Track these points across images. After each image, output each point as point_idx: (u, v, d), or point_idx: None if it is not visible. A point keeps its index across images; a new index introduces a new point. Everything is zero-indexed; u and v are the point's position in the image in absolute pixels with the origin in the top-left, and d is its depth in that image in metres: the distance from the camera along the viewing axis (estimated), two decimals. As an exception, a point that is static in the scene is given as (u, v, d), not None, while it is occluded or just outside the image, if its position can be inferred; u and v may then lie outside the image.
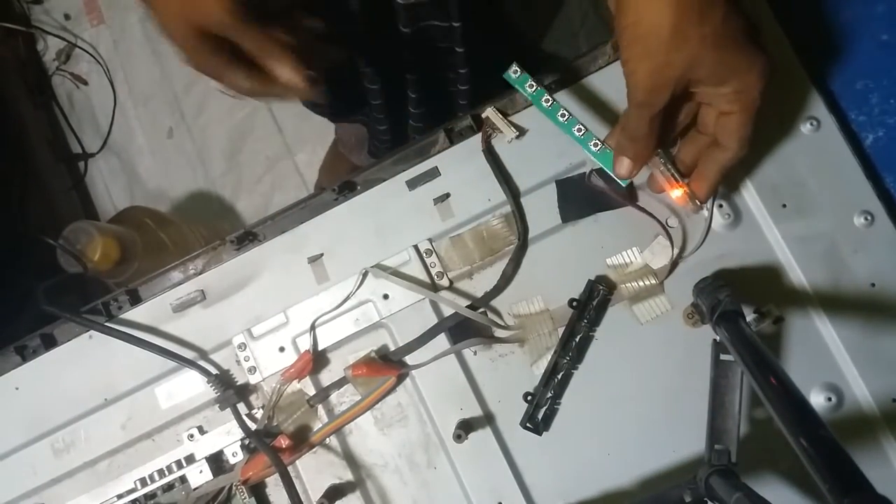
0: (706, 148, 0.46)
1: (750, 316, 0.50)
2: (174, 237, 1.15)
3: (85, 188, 1.40)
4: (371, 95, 0.74)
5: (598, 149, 0.49)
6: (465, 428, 0.50)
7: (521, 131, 0.53)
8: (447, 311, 0.52)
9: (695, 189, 0.48)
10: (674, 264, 0.51)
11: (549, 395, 0.51)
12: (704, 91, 0.43)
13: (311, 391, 0.53)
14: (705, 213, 0.51)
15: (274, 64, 0.45)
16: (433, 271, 0.52)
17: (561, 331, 0.51)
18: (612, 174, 0.49)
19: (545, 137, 0.52)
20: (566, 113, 0.50)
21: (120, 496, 0.53)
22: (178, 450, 0.53)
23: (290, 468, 0.51)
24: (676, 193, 0.48)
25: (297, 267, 0.54)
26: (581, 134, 0.49)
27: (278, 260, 0.54)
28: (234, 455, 0.53)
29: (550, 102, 0.50)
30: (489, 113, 0.53)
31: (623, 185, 0.49)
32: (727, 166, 0.45)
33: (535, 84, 0.50)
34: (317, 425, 0.52)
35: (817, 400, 0.50)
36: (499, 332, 0.52)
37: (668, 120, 0.46)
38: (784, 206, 0.51)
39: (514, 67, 0.50)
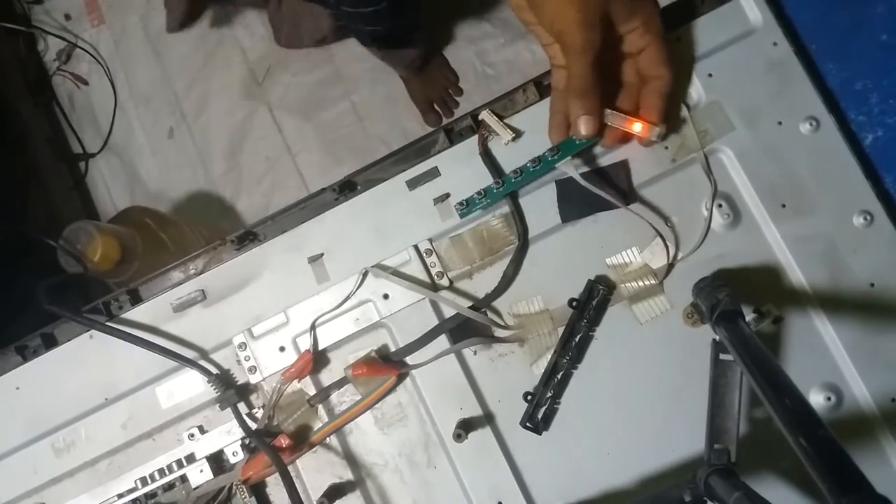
0: (638, 90, 0.50)
1: (749, 316, 0.50)
2: (174, 237, 1.15)
3: (85, 188, 1.41)
4: None
5: (556, 154, 0.50)
6: (465, 427, 0.50)
7: (518, 133, 0.53)
8: (447, 311, 0.52)
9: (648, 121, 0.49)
10: (672, 264, 0.51)
11: (549, 394, 0.51)
12: (619, 32, 0.48)
13: (312, 391, 0.53)
14: (704, 212, 0.51)
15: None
16: (433, 271, 0.53)
17: (561, 331, 0.51)
18: (577, 147, 0.50)
19: (542, 139, 0.52)
20: (518, 170, 0.51)
21: (120, 495, 0.53)
22: (178, 449, 0.53)
23: (290, 468, 0.51)
24: (637, 127, 0.49)
25: (298, 267, 0.54)
26: (537, 165, 0.51)
27: (278, 260, 0.54)
28: (235, 454, 0.53)
29: (500, 185, 0.51)
30: (485, 115, 0.53)
31: (595, 140, 0.50)
32: (666, 92, 0.49)
33: (482, 192, 0.51)
34: (317, 425, 0.52)
35: (817, 400, 0.50)
36: (499, 332, 0.52)
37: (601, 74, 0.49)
38: (783, 206, 0.51)
39: (459, 202, 0.51)
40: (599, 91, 0.48)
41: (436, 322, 0.52)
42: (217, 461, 0.53)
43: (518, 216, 0.52)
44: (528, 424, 0.51)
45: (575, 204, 0.52)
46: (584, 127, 0.49)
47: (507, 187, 0.51)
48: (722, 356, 0.46)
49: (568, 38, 0.45)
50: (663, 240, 0.51)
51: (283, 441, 0.51)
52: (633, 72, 0.50)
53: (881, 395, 0.50)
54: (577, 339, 0.51)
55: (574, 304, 0.51)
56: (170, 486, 0.53)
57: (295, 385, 0.53)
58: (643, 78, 0.50)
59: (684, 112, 0.52)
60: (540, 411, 0.51)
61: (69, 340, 0.55)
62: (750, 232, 0.52)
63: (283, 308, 0.53)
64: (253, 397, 0.54)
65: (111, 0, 1.42)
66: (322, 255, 0.54)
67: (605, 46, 0.47)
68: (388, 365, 0.52)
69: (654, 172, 0.52)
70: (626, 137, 0.51)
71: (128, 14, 1.41)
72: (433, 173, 0.53)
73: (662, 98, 0.49)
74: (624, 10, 0.46)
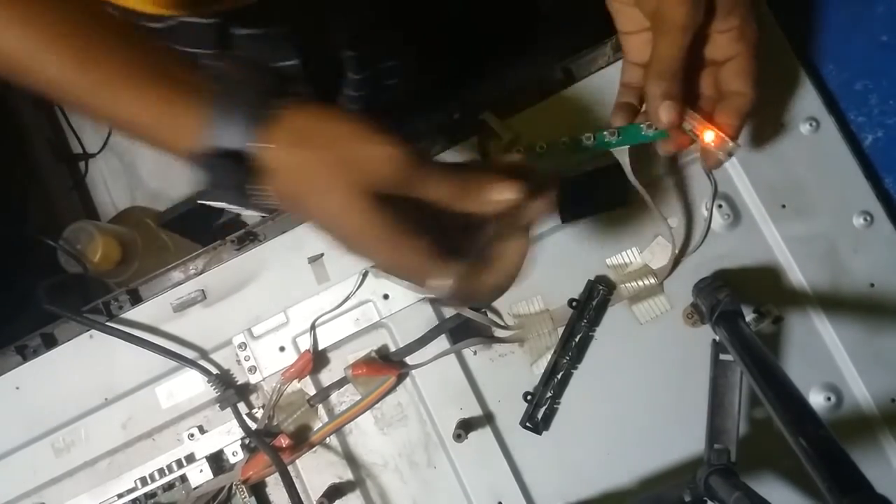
0: (713, 105, 0.45)
1: (749, 316, 0.50)
2: (174, 237, 1.15)
3: (85, 188, 1.40)
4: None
5: (616, 137, 0.46)
6: (465, 427, 0.50)
7: (518, 133, 0.53)
8: (447, 311, 0.52)
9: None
10: (674, 264, 0.51)
11: (549, 394, 0.51)
12: (709, 29, 0.43)
13: (312, 391, 0.53)
14: (704, 212, 0.51)
15: (486, 189, 0.36)
16: (433, 271, 0.52)
17: (561, 331, 0.51)
18: (641, 138, 0.46)
19: (541, 138, 0.52)
20: (566, 140, 0.47)
21: (120, 495, 0.53)
22: (178, 449, 0.53)
23: (290, 467, 0.51)
24: (709, 136, 0.44)
25: (298, 267, 0.54)
26: (591, 141, 0.46)
27: (278, 260, 0.54)
28: (235, 454, 0.53)
29: (544, 148, 0.48)
30: (485, 117, 0.53)
31: (661, 136, 0.45)
32: (745, 112, 0.44)
33: (521, 149, 0.48)
34: (317, 425, 0.52)
35: (817, 400, 0.50)
36: (499, 332, 0.52)
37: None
38: (783, 206, 0.51)
39: (496, 141, 0.48)
40: (682, 79, 0.42)
41: (436, 322, 0.52)
42: (217, 461, 0.53)
43: (518, 216, 0.52)
44: (528, 424, 0.51)
45: (575, 204, 0.52)
46: (665, 113, 0.42)
47: (551, 153, 0.47)
48: (722, 356, 0.46)
49: (668, 11, 0.40)
50: (671, 233, 0.51)
51: (283, 441, 0.51)
52: (710, 82, 0.45)
53: (881, 395, 0.50)
54: (577, 339, 0.51)
55: (574, 304, 0.51)
56: (169, 486, 0.53)
57: (295, 385, 0.53)
58: (722, 92, 0.44)
59: None
60: (540, 411, 0.51)
61: (69, 340, 0.55)
62: (750, 232, 0.52)
63: (283, 308, 0.53)
64: (253, 397, 0.54)
65: (111, 0, 1.42)
66: (322, 255, 0.54)
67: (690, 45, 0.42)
68: (388, 365, 0.52)
69: (655, 172, 0.52)
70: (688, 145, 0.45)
71: (128, 14, 1.41)
72: (433, 173, 0.53)
73: (742, 118, 0.43)
74: (727, 1, 0.41)
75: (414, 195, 0.36)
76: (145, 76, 0.36)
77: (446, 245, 0.37)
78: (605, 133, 0.46)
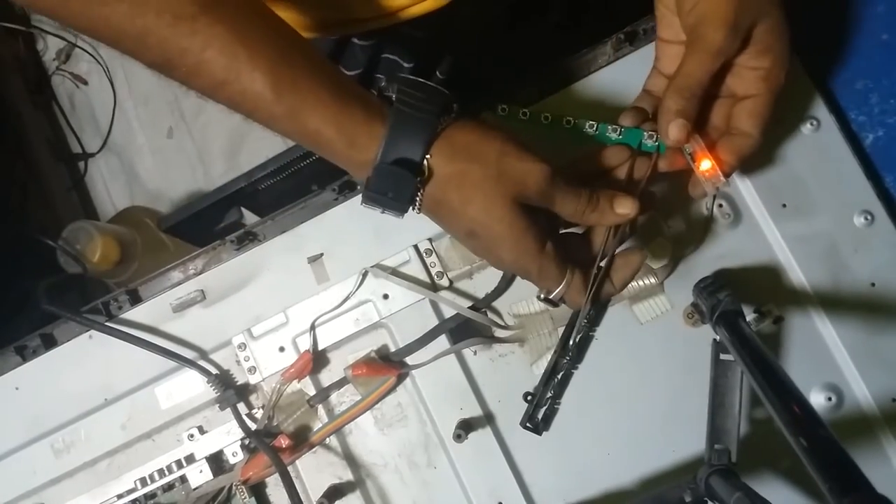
0: (718, 136, 0.45)
1: (750, 315, 0.50)
2: (174, 237, 1.15)
3: (85, 188, 1.41)
4: None
5: (619, 135, 0.46)
6: (465, 428, 0.50)
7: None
8: (447, 311, 0.52)
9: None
10: (674, 264, 0.51)
11: (549, 394, 0.51)
12: (740, 61, 0.43)
13: (311, 391, 0.53)
14: (704, 211, 0.51)
15: (609, 204, 0.42)
16: (433, 271, 0.52)
17: (561, 330, 0.51)
18: (637, 145, 0.46)
19: (540, 137, 0.52)
20: (570, 120, 0.47)
21: (120, 496, 0.53)
22: (178, 450, 0.53)
23: (290, 468, 0.51)
24: (705, 164, 0.44)
25: (297, 267, 0.54)
26: (594, 130, 0.46)
27: (278, 260, 0.54)
28: (234, 455, 0.53)
29: (549, 119, 0.47)
30: (484, 117, 0.53)
31: (658, 152, 0.45)
32: (747, 155, 0.44)
33: (527, 111, 0.47)
34: (317, 425, 0.52)
35: (817, 400, 0.50)
36: (499, 332, 0.52)
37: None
38: (784, 205, 0.51)
39: (501, 107, 0.48)
40: (700, 104, 0.42)
41: (436, 322, 0.52)
42: (217, 461, 0.53)
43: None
44: (528, 425, 0.51)
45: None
46: (674, 130, 0.42)
47: (552, 127, 0.46)
48: (722, 356, 0.46)
49: (705, 32, 0.41)
50: (671, 232, 0.51)
51: (283, 441, 0.51)
52: (723, 113, 0.45)
53: (882, 395, 0.50)
54: (577, 339, 0.51)
55: (574, 304, 0.51)
56: (169, 487, 0.53)
57: (295, 385, 0.53)
58: (730, 127, 0.44)
59: None
60: (540, 411, 0.51)
61: (69, 340, 0.55)
62: (750, 232, 0.52)
63: (283, 308, 0.53)
64: (253, 397, 0.54)
65: (111, 0, 1.42)
66: (322, 255, 0.54)
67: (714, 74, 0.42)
68: (388, 365, 0.52)
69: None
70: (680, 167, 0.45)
71: (127, 14, 1.41)
72: (433, 173, 0.53)
73: (741, 160, 0.44)
74: (765, 39, 0.41)
75: (549, 207, 0.41)
76: (332, 93, 0.40)
77: (563, 253, 0.42)
78: (609, 127, 0.46)
